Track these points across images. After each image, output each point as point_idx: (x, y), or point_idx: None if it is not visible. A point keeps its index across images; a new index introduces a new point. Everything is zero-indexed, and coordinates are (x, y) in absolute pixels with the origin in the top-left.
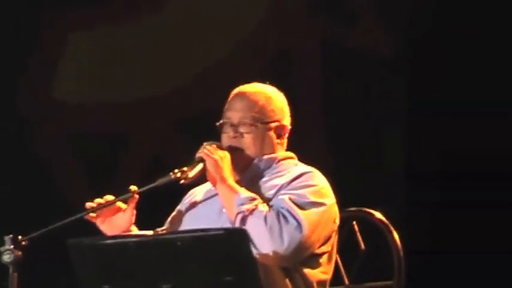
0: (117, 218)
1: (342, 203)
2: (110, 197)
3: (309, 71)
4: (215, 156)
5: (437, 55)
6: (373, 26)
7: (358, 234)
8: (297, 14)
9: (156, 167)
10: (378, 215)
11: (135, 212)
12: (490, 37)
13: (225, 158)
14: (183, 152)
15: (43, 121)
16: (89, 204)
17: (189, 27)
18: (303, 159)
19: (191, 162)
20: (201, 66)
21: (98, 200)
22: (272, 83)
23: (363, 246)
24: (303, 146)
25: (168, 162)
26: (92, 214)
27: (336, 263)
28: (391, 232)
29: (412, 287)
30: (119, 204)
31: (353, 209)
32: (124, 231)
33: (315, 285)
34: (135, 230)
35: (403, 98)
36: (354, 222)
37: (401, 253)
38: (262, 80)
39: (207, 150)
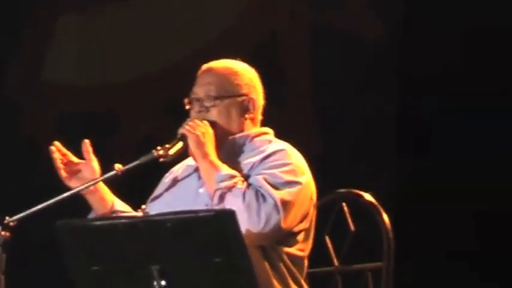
0: (82, 172)
1: (331, 184)
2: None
3: (298, 54)
4: (197, 131)
5: (428, 37)
6: (362, 8)
7: (348, 215)
8: None
9: (147, 148)
10: (368, 196)
11: (94, 158)
12: (482, 19)
13: (207, 133)
14: (173, 133)
15: (32, 102)
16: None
17: (178, 9)
18: (292, 141)
19: (174, 138)
20: (191, 48)
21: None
22: (260, 66)
23: (352, 227)
24: (293, 128)
25: (159, 144)
26: (64, 174)
27: (325, 244)
28: (380, 214)
29: (401, 269)
30: (73, 158)
31: (342, 190)
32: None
33: (290, 263)
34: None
35: (393, 81)
36: (344, 204)
37: (391, 235)
38: (251, 63)
39: (189, 126)
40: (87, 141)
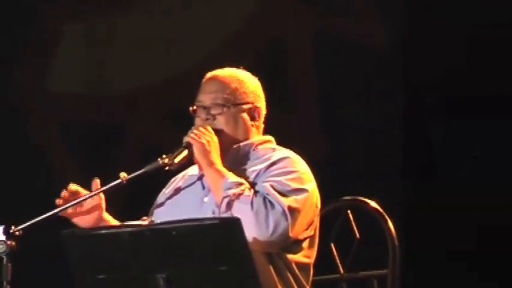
0: (86, 207)
1: (337, 191)
2: (74, 187)
3: (303, 61)
4: (202, 140)
5: (431, 45)
6: (366, 16)
7: (353, 223)
8: (290, 3)
9: (150, 157)
10: (373, 203)
11: (102, 195)
12: (484, 26)
13: (212, 142)
14: (176, 143)
15: (37, 111)
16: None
17: (181, 18)
18: (297, 148)
19: (179, 146)
20: (195, 56)
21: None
22: (266, 74)
23: (357, 235)
24: (298, 135)
25: (163, 152)
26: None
27: (331, 251)
28: (386, 221)
29: (406, 276)
30: (81, 190)
31: (348, 197)
32: (97, 218)
33: (297, 269)
34: (108, 218)
35: (397, 87)
36: (349, 211)
37: (396, 242)
38: (256, 71)
39: (194, 134)
40: (98, 180)
